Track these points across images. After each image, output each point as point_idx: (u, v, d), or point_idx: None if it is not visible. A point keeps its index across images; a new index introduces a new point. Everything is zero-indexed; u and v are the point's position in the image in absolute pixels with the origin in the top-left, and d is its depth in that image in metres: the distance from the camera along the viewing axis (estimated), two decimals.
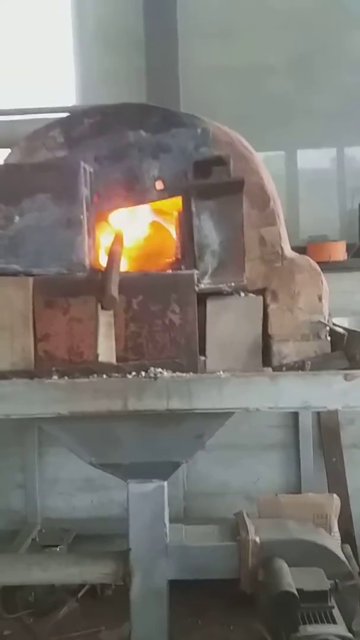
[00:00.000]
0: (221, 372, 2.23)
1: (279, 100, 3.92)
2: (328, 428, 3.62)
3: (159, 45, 3.79)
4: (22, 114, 3.38)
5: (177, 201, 2.53)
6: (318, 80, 3.92)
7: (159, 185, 2.49)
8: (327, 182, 4.09)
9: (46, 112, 3.21)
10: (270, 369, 2.34)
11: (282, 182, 3.91)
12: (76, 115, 2.53)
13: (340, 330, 2.32)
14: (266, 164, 2.57)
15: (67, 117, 2.56)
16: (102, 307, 2.10)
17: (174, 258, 2.60)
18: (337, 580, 2.47)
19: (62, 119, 2.54)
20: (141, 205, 2.58)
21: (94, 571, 2.50)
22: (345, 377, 2.13)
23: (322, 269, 2.50)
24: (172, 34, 3.79)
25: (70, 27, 3.99)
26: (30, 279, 2.36)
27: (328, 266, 2.93)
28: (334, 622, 2.28)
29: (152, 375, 2.20)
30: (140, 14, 3.85)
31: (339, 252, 3.61)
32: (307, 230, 3.90)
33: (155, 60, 3.78)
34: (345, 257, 3.65)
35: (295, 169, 4.09)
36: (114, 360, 2.01)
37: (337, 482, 3.55)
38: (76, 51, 3.95)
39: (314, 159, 4.14)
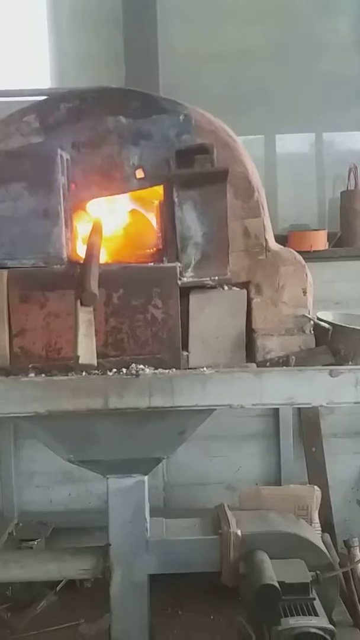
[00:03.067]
0: (204, 368, 2.20)
1: (259, 84, 3.85)
2: (308, 417, 3.62)
3: (137, 26, 3.67)
4: None
5: (157, 189, 2.46)
6: (298, 66, 3.87)
7: (140, 173, 2.40)
8: (306, 167, 4.05)
9: (19, 95, 3.07)
10: (254, 364, 2.31)
11: (261, 167, 3.87)
12: (53, 100, 2.41)
13: (325, 324, 2.29)
14: (245, 148, 2.50)
15: (43, 101, 2.44)
16: (82, 304, 2.03)
17: (154, 249, 2.53)
18: (317, 572, 2.49)
19: (37, 103, 2.42)
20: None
21: (73, 567, 2.46)
22: (331, 373, 2.12)
23: (303, 259, 2.46)
24: (151, 16, 3.68)
25: (45, 4, 3.82)
26: (5, 272, 2.28)
27: (309, 255, 2.89)
28: (315, 614, 2.29)
29: (133, 372, 2.15)
30: None
31: (320, 241, 3.58)
32: (285, 215, 3.87)
33: (134, 42, 3.66)
34: (327, 247, 3.62)
35: (274, 153, 4.05)
36: (95, 362, 1.95)
37: (316, 472, 3.57)
38: (51, 30, 3.79)
39: (292, 144, 4.10)
